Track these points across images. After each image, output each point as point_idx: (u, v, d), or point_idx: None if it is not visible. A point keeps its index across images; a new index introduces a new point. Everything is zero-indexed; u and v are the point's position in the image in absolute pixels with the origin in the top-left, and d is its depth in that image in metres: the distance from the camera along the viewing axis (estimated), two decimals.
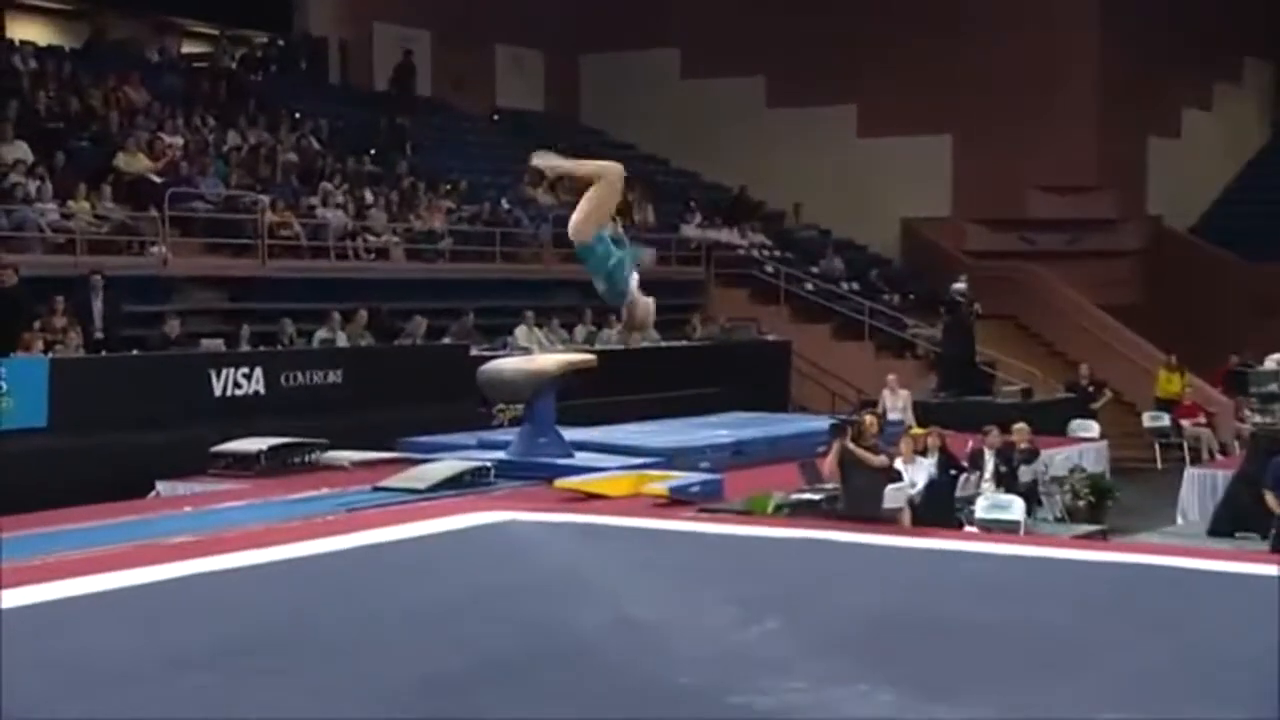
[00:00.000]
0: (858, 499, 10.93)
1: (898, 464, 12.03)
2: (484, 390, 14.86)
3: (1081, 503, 14.66)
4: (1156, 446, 20.55)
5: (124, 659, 6.50)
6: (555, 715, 5.67)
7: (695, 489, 12.05)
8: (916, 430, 14.62)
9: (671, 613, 7.34)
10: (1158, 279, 27.55)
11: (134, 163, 18.04)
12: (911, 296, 25.51)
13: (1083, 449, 16.36)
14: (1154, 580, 8.49)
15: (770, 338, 22.91)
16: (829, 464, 11.40)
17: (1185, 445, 20.31)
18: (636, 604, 7.57)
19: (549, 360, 13.76)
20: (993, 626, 7.11)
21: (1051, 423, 17.51)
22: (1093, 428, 18.21)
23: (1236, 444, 20.34)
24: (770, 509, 11.48)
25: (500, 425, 17.10)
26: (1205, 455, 19.79)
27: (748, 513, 11.40)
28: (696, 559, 9.15)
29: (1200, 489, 13.79)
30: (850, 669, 6.16)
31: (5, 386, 12.83)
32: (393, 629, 7.05)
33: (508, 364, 14.25)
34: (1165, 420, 20.73)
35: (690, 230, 25.08)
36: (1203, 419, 20.64)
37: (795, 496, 11.88)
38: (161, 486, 13.25)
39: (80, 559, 9.07)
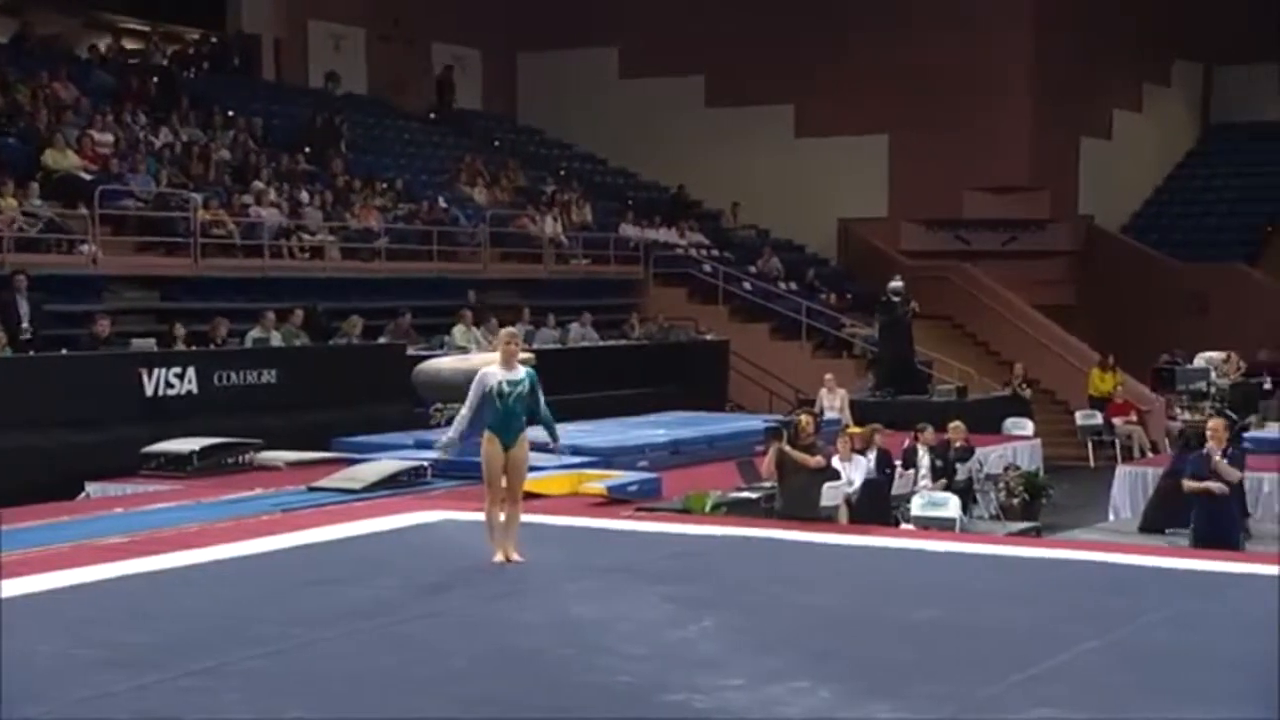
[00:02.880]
0: (795, 498, 10.95)
1: (835, 462, 12.07)
2: (421, 390, 14.78)
3: (1015, 500, 14.78)
4: (1089, 444, 20.77)
5: (59, 660, 6.40)
6: (495, 715, 5.64)
7: (633, 488, 12.04)
8: (855, 429, 14.68)
9: (611, 611, 7.34)
10: (1090, 279, 27.88)
11: (63, 160, 17.73)
12: (849, 296, 25.63)
13: (1017, 447, 16.52)
14: (1091, 576, 8.58)
15: (708, 337, 22.94)
16: (766, 464, 11.41)
17: (1117, 443, 20.55)
18: (576, 603, 7.57)
19: (487, 359, 13.63)
20: (931, 624, 7.16)
21: (986, 421, 17.65)
22: (1027, 426, 18.37)
23: (1167, 441, 20.66)
24: (708, 508, 11.48)
25: (437, 425, 16.99)
26: (1137, 453, 20.03)
27: (686, 511, 11.40)
28: (635, 558, 9.14)
29: (1132, 486, 13.95)
30: (789, 666, 6.19)
31: None
32: (329, 629, 6.99)
33: (445, 363, 14.19)
34: (1098, 419, 20.96)
35: (628, 229, 25.07)
36: (1134, 417, 20.88)
37: (733, 495, 11.91)
38: (92, 488, 13.06)
39: (12, 560, 8.90)
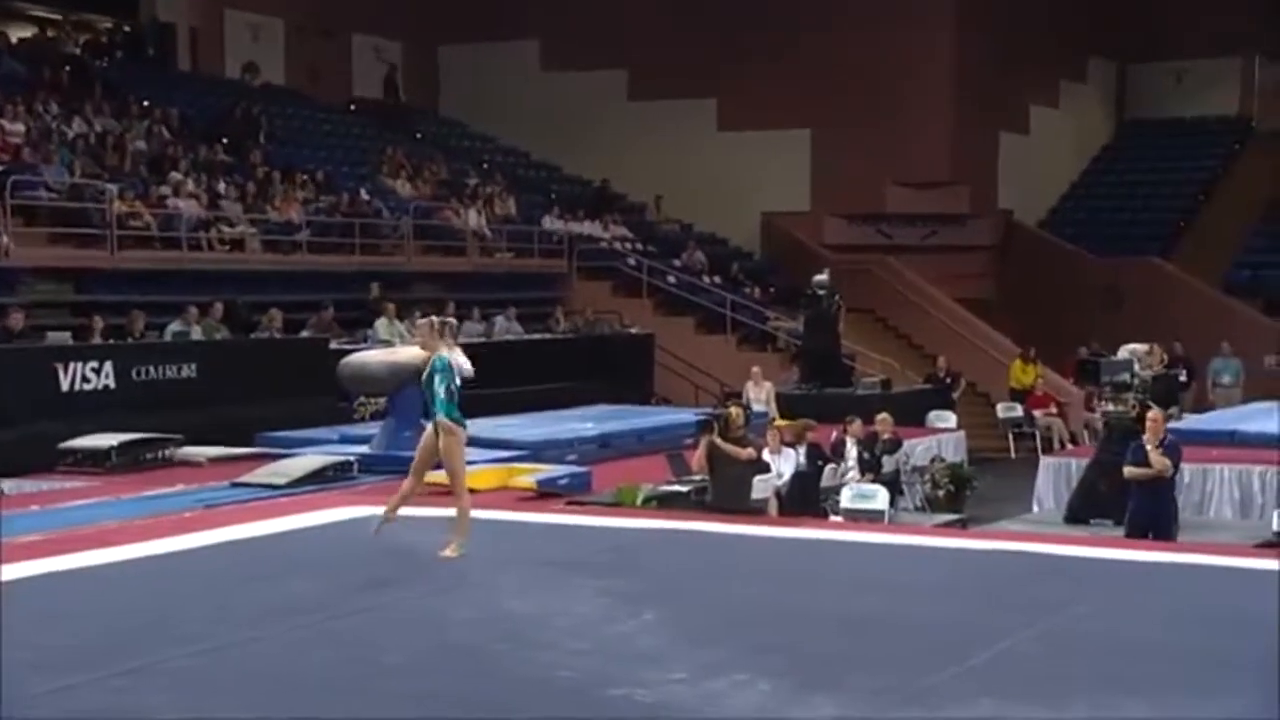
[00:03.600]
0: (726, 490, 10.96)
1: (765, 455, 12.08)
2: (346, 384, 14.57)
3: (941, 492, 14.89)
4: (1010, 436, 21.00)
5: None
6: (434, 713, 5.54)
7: (563, 482, 11.95)
8: (781, 422, 14.70)
9: (547, 606, 7.27)
10: (1009, 273, 28.20)
11: None
12: (772, 290, 25.72)
13: (942, 439, 16.65)
14: (1021, 567, 8.63)
15: (633, 331, 22.89)
16: (697, 456, 11.40)
17: (1038, 435, 20.79)
18: (511, 598, 7.48)
19: (412, 353, 13.46)
20: (867, 616, 7.16)
21: (910, 413, 17.76)
22: (950, 418, 18.53)
23: (1086, 433, 20.93)
24: (639, 501, 11.44)
25: (361, 419, 16.80)
26: (1057, 444, 20.27)
27: (617, 505, 11.34)
28: (569, 552, 9.07)
29: (1055, 477, 14.08)
30: (728, 660, 6.15)
31: None
32: (259, 627, 6.84)
33: (371, 357, 13.97)
34: (1019, 411, 21.19)
35: (552, 223, 24.95)
36: (1054, 409, 21.15)
37: (664, 488, 11.87)
38: (7, 484, 12.72)
39: None
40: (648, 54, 28.22)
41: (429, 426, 8.89)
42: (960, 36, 26.73)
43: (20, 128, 18.36)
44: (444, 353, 8.92)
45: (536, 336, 21.23)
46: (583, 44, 28.53)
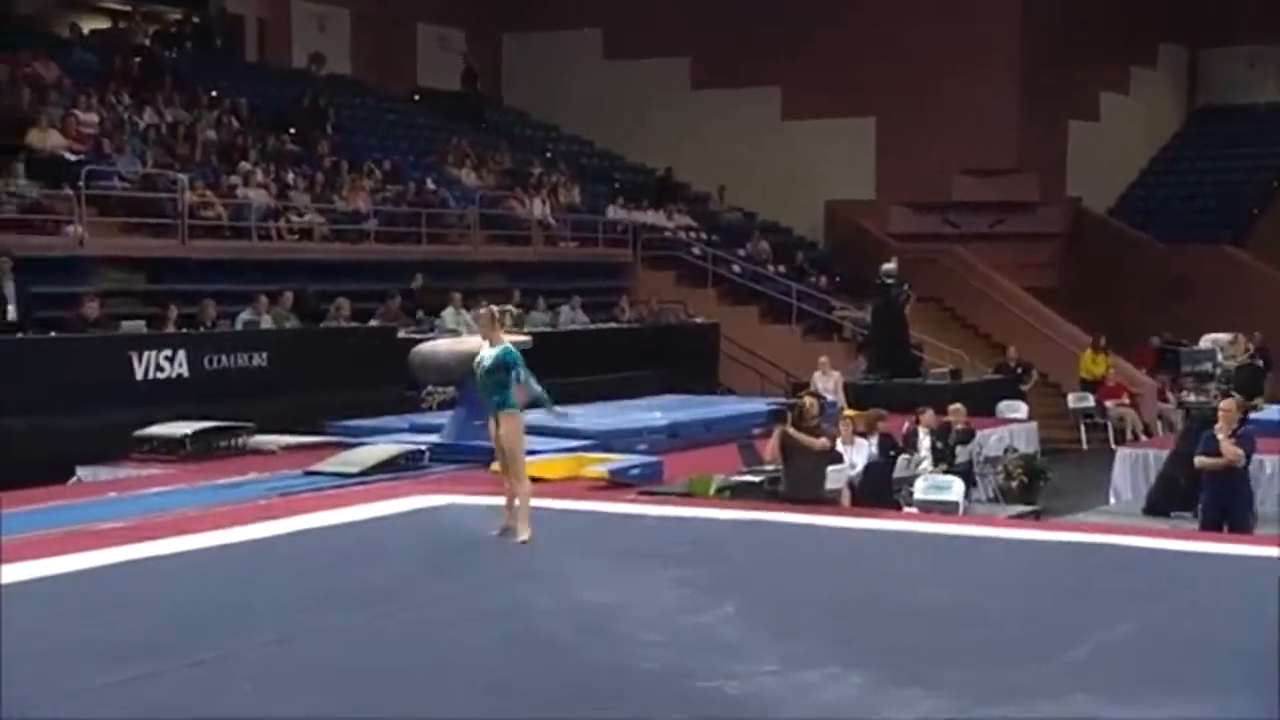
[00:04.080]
0: (800, 481, 10.83)
1: (837, 445, 11.97)
2: (416, 373, 14.59)
3: (1014, 483, 14.73)
4: (1081, 427, 20.74)
5: (62, 649, 6.24)
6: (520, 706, 5.50)
7: (635, 471, 11.90)
8: (850, 412, 14.58)
9: (625, 596, 7.22)
10: (1077, 261, 27.83)
11: (45, 140, 17.46)
12: (837, 279, 25.54)
13: (1014, 430, 16.44)
14: (1104, 560, 8.49)
15: (698, 320, 22.80)
16: (770, 446, 11.30)
17: (1110, 426, 20.51)
18: (587, 588, 7.43)
19: (481, 342, 13.45)
20: (950, 608, 7.06)
21: (979, 404, 17.55)
22: (1021, 409, 18.32)
23: (1160, 424, 20.64)
24: (712, 491, 11.37)
25: (429, 409, 16.84)
26: (1130, 435, 19.99)
27: (689, 495, 11.28)
28: (644, 542, 9.01)
29: (1132, 469, 13.87)
30: (815, 652, 6.07)
31: None
32: (338, 616, 6.84)
33: (440, 346, 13.99)
34: (1090, 401, 20.91)
35: (616, 212, 24.90)
36: (1127, 399, 20.86)
37: (736, 479, 11.80)
38: (82, 471, 12.85)
39: (10, 545, 8.72)
40: (711, 42, 28.10)
41: (490, 419, 8.95)
42: (1028, 22, 26.40)
43: (94, 118, 18.52)
44: (506, 341, 9.02)
45: (602, 326, 21.18)
46: (646, 32, 28.44)
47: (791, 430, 10.81)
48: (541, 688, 5.68)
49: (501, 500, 9.21)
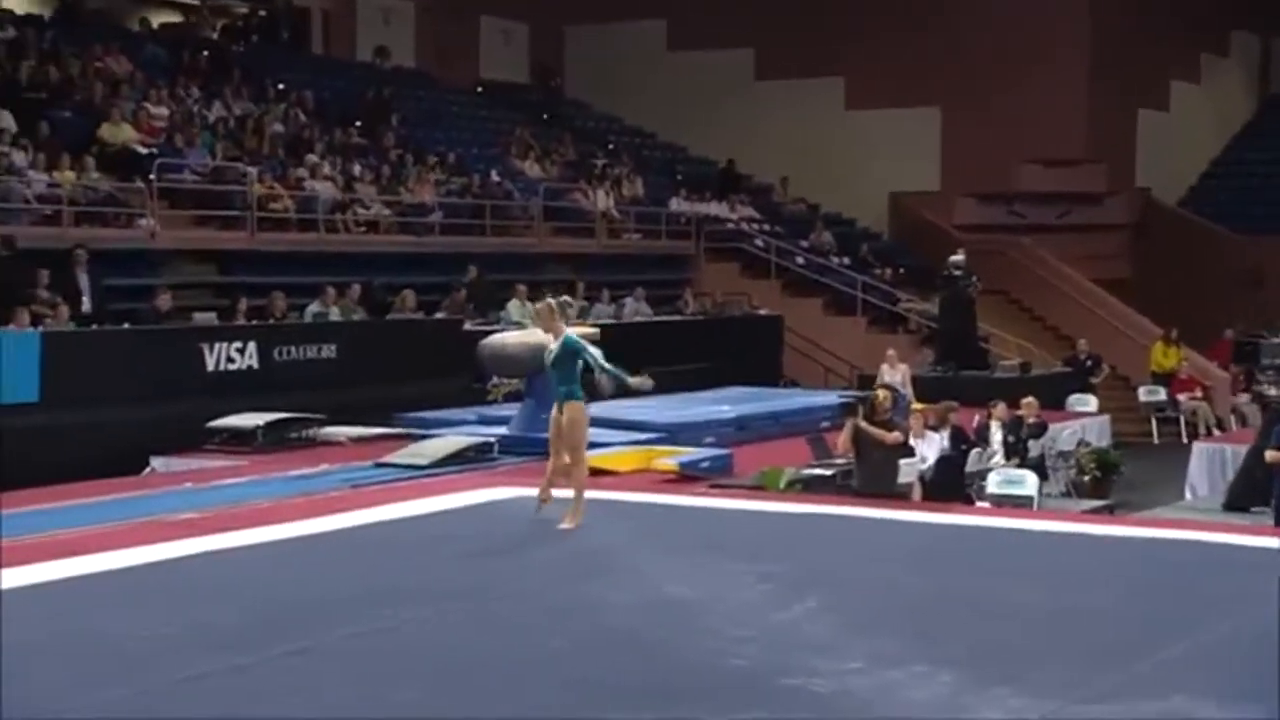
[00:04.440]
0: (872, 475, 10.75)
1: (909, 439, 11.86)
2: (486, 364, 14.61)
3: (1086, 477, 14.55)
4: (1153, 421, 20.44)
5: (149, 640, 6.28)
6: (611, 703, 5.46)
7: (705, 464, 11.86)
8: (918, 405, 14.44)
9: (705, 591, 7.17)
10: (1146, 252, 27.44)
11: (119, 134, 17.62)
12: (901, 271, 25.33)
13: (1086, 423, 16.23)
14: (1189, 556, 8.33)
15: (762, 312, 22.70)
16: (842, 440, 11.22)
17: (1182, 420, 20.21)
18: (667, 582, 7.39)
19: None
20: (1037, 606, 6.95)
21: (1049, 397, 17.31)
22: (1091, 402, 18.08)
23: (1233, 417, 20.31)
24: (782, 484, 11.30)
25: (495, 401, 16.87)
26: (1202, 429, 19.68)
27: (760, 488, 11.23)
28: (720, 535, 8.97)
29: (1209, 463, 13.65)
30: (902, 650, 6.00)
31: None
32: (419, 608, 6.84)
33: (510, 338, 13.99)
34: (1162, 395, 20.60)
35: (679, 204, 24.83)
36: (1199, 393, 20.53)
37: (807, 472, 11.72)
38: (156, 462, 12.99)
39: (86, 536, 8.83)
40: (775, 33, 27.93)
41: (555, 407, 9.00)
42: (1097, 9, 26.05)
43: (164, 111, 18.70)
44: (569, 331, 9.10)
45: (666, 318, 21.13)
46: (709, 23, 28.31)
47: (864, 423, 10.73)
48: (631, 684, 5.64)
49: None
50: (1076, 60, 26.08)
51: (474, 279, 19.15)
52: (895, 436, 10.89)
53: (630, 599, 7.02)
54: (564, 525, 8.93)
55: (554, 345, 9.30)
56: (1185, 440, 20.07)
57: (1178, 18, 27.52)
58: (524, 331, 14.44)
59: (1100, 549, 8.65)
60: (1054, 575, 7.75)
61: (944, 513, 10.25)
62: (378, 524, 9.45)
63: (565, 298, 10.03)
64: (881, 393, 11.03)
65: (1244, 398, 20.25)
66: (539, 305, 9.71)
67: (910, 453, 11.61)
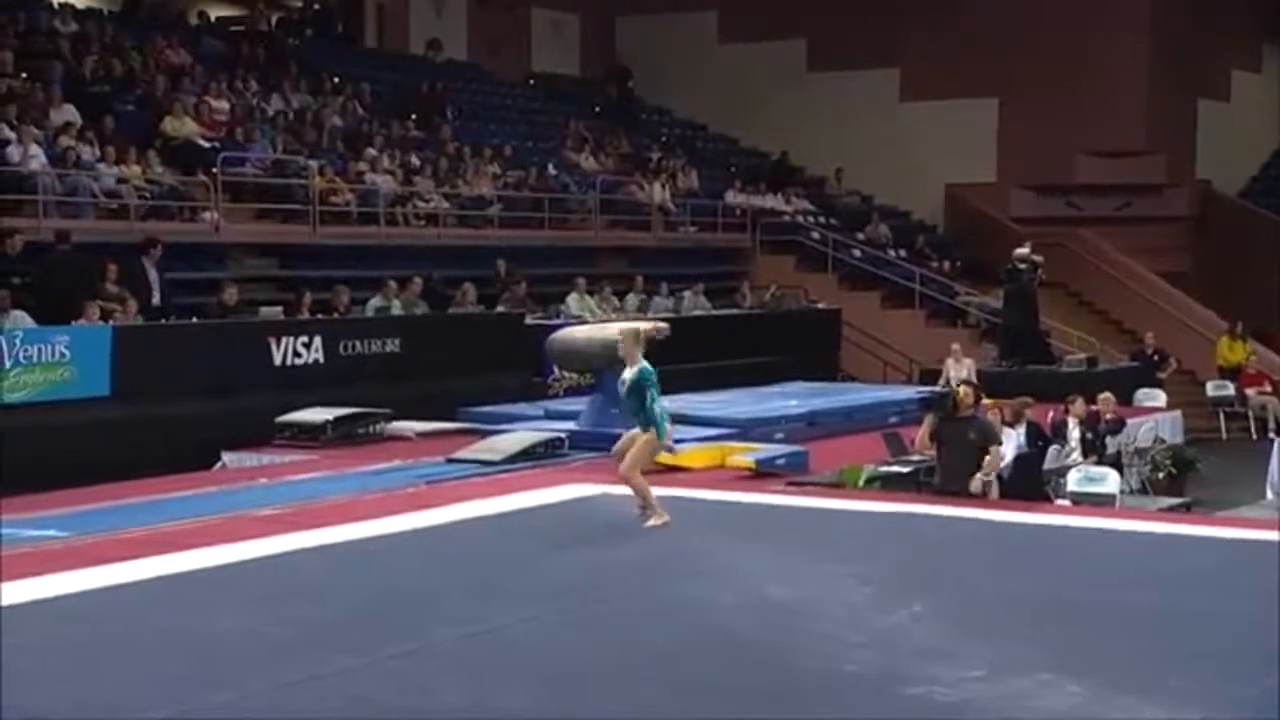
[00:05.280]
0: (955, 472, 10.56)
1: None
2: (556, 360, 14.55)
3: (1161, 474, 14.32)
4: (1221, 416, 20.15)
5: (252, 639, 6.22)
6: (730, 707, 5.35)
7: (781, 461, 11.73)
8: (989, 400, 14.22)
9: (807, 593, 7.05)
10: (1207, 244, 27.06)
11: (181, 127, 17.63)
12: (958, 263, 25.10)
13: (1160, 419, 16.00)
14: None
15: (820, 306, 22.53)
16: (921, 436, 11.06)
17: (1251, 415, 19.92)
18: (768, 583, 7.27)
19: (621, 329, 13.34)
20: (1152, 610, 6.79)
21: (1116, 392, 17.04)
22: (1160, 397, 17.84)
23: None
24: (861, 482, 11.17)
25: (556, 395, 16.81)
26: (1271, 425, 19.41)
27: (839, 485, 11.09)
28: (811, 535, 8.85)
29: None
30: (1021, 657, 5.85)
31: (69, 355, 12.52)
32: (522, 608, 6.74)
33: (579, 333, 13.91)
34: (1230, 389, 20.32)
35: (734, 196, 24.68)
36: (1268, 387, 20.23)
37: (885, 469, 11.57)
38: (228, 457, 12.98)
39: (174, 532, 8.80)
40: (827, 23, 27.70)
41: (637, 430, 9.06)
42: None
43: (225, 105, 18.70)
44: (645, 363, 9.00)
45: (725, 312, 20.99)
46: (761, 14, 28.11)
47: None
48: (746, 689, 5.54)
49: (658, 491, 9.25)
50: (1136, 50, 25.73)
51: (505, 275, 18.88)
52: (997, 451, 10.66)
53: (733, 600, 6.91)
54: (651, 523, 8.86)
55: (627, 374, 9.22)
56: (1254, 436, 19.87)
57: (1238, 5, 27.12)
58: (594, 326, 14.37)
59: (1203, 550, 8.47)
60: (1162, 576, 7.59)
61: (1028, 511, 10.08)
62: (464, 521, 9.38)
63: (660, 325, 10.01)
64: (963, 389, 10.84)
65: None
66: (625, 330, 9.64)
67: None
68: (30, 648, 5.95)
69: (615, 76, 28.06)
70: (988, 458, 10.49)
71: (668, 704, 5.38)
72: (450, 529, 9.09)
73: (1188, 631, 6.37)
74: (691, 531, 8.74)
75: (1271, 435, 19.63)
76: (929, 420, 10.89)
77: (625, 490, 10.04)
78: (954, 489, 10.53)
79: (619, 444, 9.36)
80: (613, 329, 13.86)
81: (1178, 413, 16.78)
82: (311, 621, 6.56)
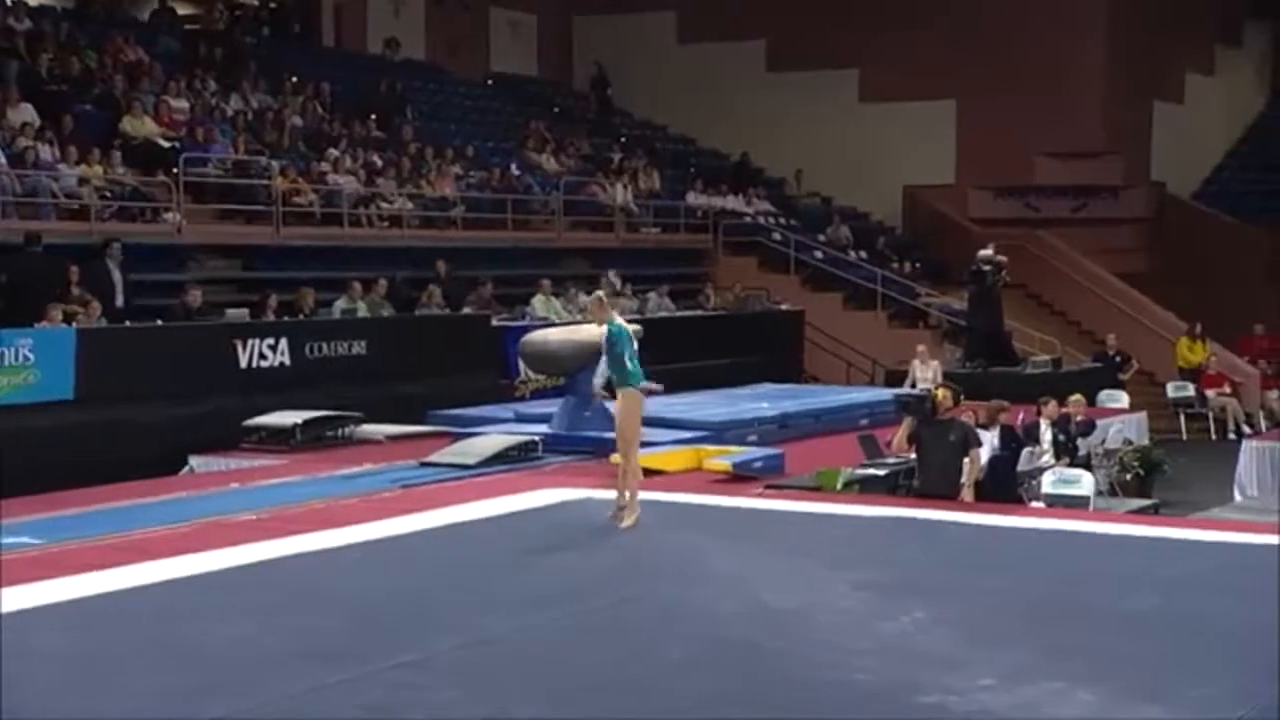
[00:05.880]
0: (936, 476, 10.57)
1: None
2: (528, 363, 14.46)
3: (1129, 476, 14.39)
4: (1182, 417, 20.32)
5: (254, 649, 6.10)
6: (748, 716, 5.29)
7: (758, 464, 11.69)
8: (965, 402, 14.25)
9: (806, 600, 7.00)
10: (1162, 246, 27.26)
11: (141, 127, 17.35)
12: (917, 265, 25.19)
13: (1127, 420, 16.10)
14: None
15: (784, 307, 22.53)
16: (898, 439, 11.07)
17: (1211, 416, 20.11)
18: (765, 590, 7.22)
19: (596, 332, 13.27)
20: (1153, 615, 6.79)
21: (1080, 394, 17.18)
22: (1122, 398, 17.95)
23: (1262, 414, 20.22)
24: (839, 485, 11.14)
25: (522, 397, 16.71)
26: (1232, 426, 19.60)
27: (818, 489, 11.05)
28: (800, 540, 8.80)
29: (1258, 462, 13.51)
30: (1029, 663, 5.84)
31: (33, 358, 12.30)
32: (524, 616, 6.64)
33: (552, 335, 13.81)
34: (1190, 391, 20.49)
35: (695, 197, 24.63)
36: (1228, 389, 20.42)
37: (862, 472, 11.56)
38: (195, 461, 12.81)
39: (153, 538, 8.64)
40: (787, 24, 27.69)
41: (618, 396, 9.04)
42: (1112, 1, 25.88)
43: (185, 105, 18.43)
44: (617, 320, 9.08)
45: (689, 313, 20.94)
46: (721, 15, 28.07)
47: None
48: (759, 698, 5.48)
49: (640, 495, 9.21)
50: (1092, 51, 25.89)
51: (444, 275, 18.65)
52: (977, 455, 10.67)
53: (733, 607, 6.86)
54: (624, 524, 8.82)
55: (605, 334, 9.29)
56: (1214, 437, 20.06)
57: (1192, 8, 27.37)
58: (566, 329, 14.27)
59: (1194, 554, 8.47)
60: (1158, 580, 7.59)
61: (1012, 515, 10.11)
62: (450, 526, 9.29)
63: (615, 284, 10.13)
64: (942, 391, 10.84)
65: (1274, 394, 20.18)
66: (589, 298, 9.76)
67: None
68: (28, 658, 5.81)
69: (595, 85, 27.88)
70: (968, 462, 10.52)
71: (692, 715, 5.30)
72: (436, 534, 8.99)
73: (1193, 635, 6.37)
74: (677, 535, 8.69)
75: (1231, 436, 19.91)
76: (908, 422, 10.91)
77: (610, 494, 9.99)
78: (935, 492, 10.55)
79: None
80: (585, 330, 13.82)
81: (1143, 414, 16.91)
82: (309, 630, 6.45)
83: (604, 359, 9.66)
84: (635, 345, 9.34)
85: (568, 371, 13.54)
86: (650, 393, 9.26)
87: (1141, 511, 12.73)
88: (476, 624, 6.49)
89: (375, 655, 5.94)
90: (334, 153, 19.32)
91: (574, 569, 7.82)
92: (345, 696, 5.45)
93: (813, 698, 5.45)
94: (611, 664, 5.94)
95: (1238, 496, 13.34)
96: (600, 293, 9.75)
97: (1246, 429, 19.35)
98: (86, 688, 5.48)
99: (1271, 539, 8.46)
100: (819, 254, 24.06)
